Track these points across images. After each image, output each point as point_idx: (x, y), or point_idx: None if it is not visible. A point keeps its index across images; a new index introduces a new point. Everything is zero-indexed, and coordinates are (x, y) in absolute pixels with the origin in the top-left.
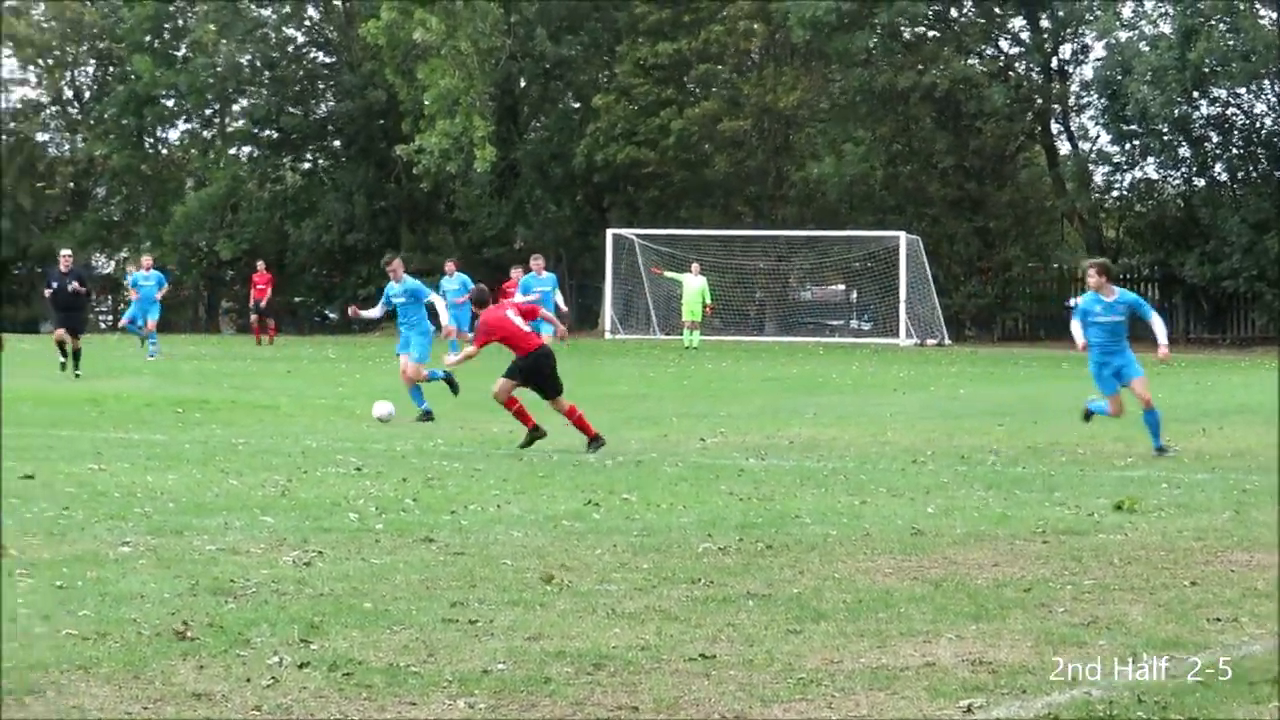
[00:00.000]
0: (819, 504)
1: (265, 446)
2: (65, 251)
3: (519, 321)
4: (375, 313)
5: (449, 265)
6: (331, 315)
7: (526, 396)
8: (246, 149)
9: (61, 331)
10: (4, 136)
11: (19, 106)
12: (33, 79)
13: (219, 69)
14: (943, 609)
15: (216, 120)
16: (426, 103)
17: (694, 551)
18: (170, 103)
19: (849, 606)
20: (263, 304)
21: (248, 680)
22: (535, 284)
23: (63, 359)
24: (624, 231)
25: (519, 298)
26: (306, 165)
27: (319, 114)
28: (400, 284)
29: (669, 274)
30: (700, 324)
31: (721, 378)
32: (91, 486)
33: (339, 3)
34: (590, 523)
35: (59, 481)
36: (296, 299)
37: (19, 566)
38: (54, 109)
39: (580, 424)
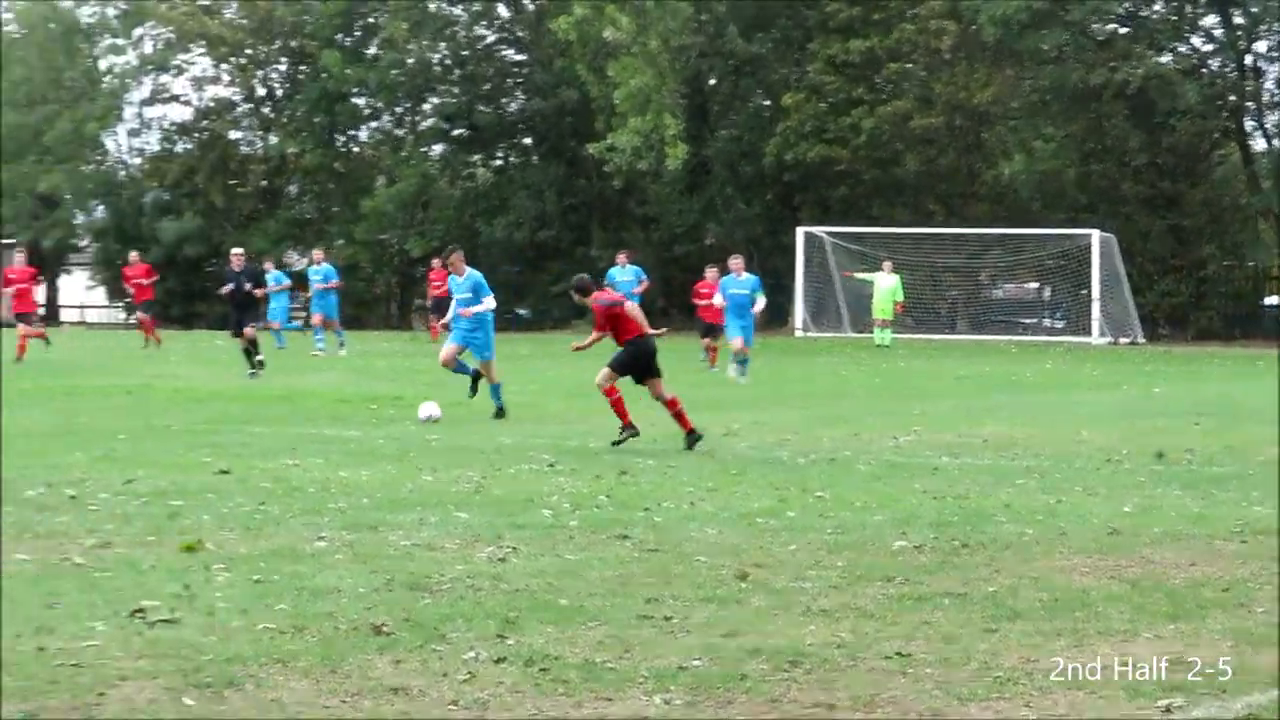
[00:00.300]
0: (1014, 502)
1: (459, 443)
2: (237, 250)
3: (628, 311)
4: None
5: (621, 257)
6: (522, 312)
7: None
8: (437, 146)
9: (251, 330)
10: (199, 136)
11: (212, 104)
12: (225, 77)
13: (410, 67)
14: (1140, 608)
15: (407, 118)
16: (617, 101)
17: (888, 549)
18: (361, 100)
19: (1045, 605)
20: (443, 302)
21: (444, 675)
22: (733, 286)
23: (259, 355)
24: (815, 229)
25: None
26: (498, 162)
27: (510, 111)
28: (464, 278)
29: (860, 275)
30: (891, 322)
31: (913, 376)
32: (287, 482)
33: (529, 1)
34: (784, 520)
35: (255, 477)
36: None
37: (217, 561)
38: (246, 107)
39: (679, 416)
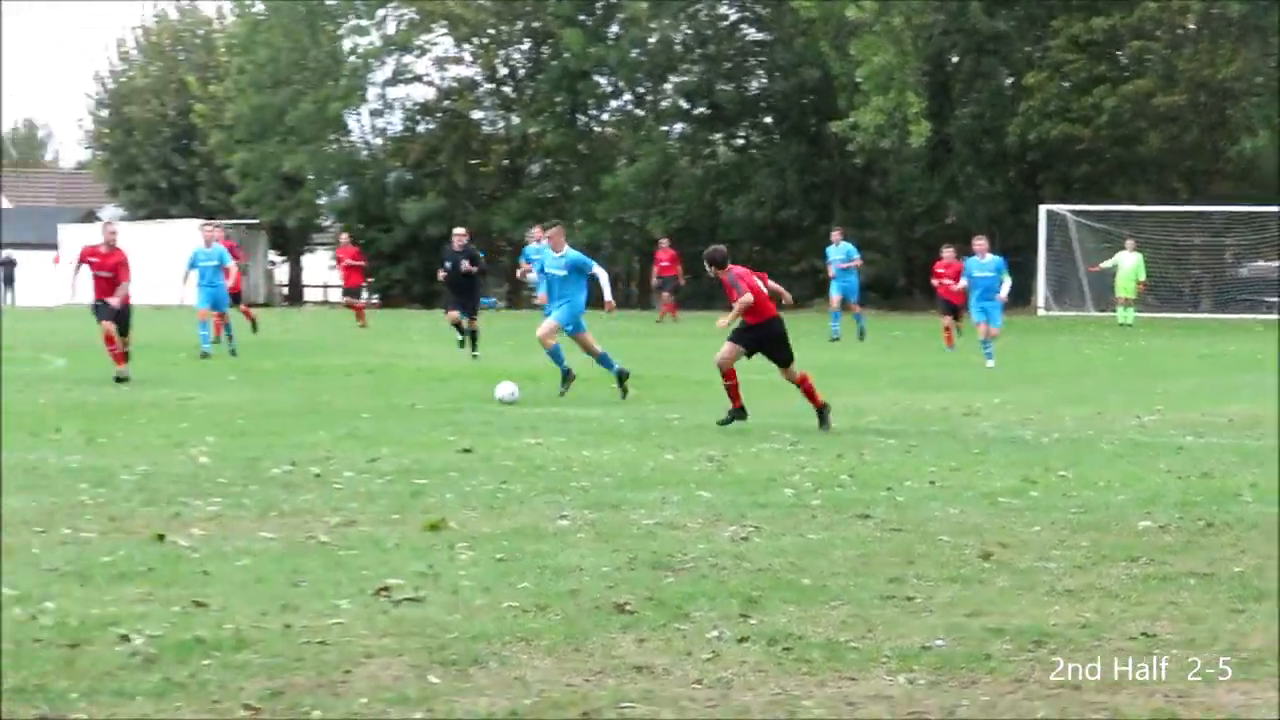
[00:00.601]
0: (1260, 482)
1: (700, 422)
2: (459, 230)
3: (760, 285)
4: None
5: (835, 234)
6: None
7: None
8: (678, 125)
9: (455, 313)
10: (441, 116)
11: (454, 85)
12: (468, 57)
13: (651, 46)
14: None
15: (648, 97)
16: (860, 79)
17: (1133, 529)
18: (602, 79)
19: None
20: (674, 281)
21: (688, 654)
22: (977, 268)
23: (460, 337)
24: (1057, 207)
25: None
26: (739, 141)
27: (751, 90)
28: (561, 255)
29: (1104, 265)
30: (1134, 300)
31: (1156, 354)
32: (529, 461)
33: None
34: (1027, 500)
35: (497, 455)
36: None
37: (460, 539)
38: (488, 87)
39: (810, 393)
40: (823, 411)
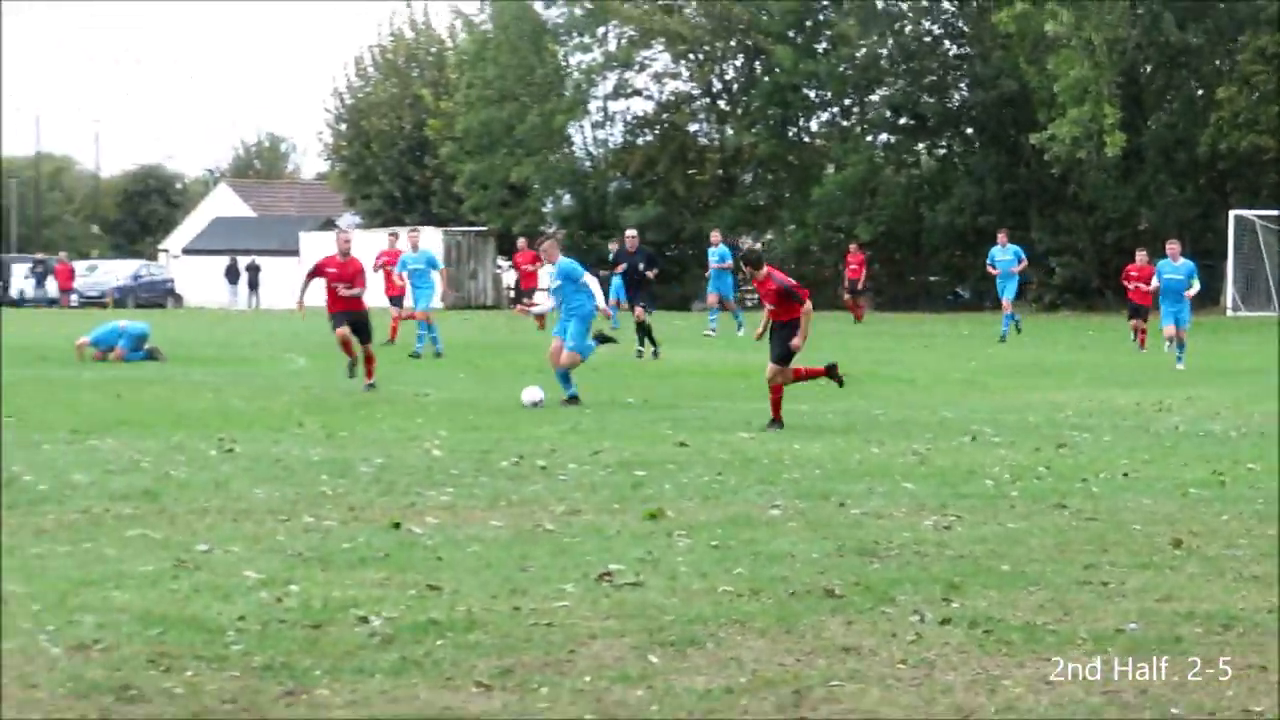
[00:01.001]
0: None
1: (903, 417)
2: (630, 232)
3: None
4: (542, 305)
5: (1001, 236)
6: (963, 293)
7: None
8: (883, 136)
9: (640, 311)
10: (659, 128)
11: (671, 98)
12: (684, 73)
13: (858, 60)
14: None
15: (855, 109)
16: (1057, 91)
17: None
18: (811, 92)
19: None
20: (858, 283)
21: (893, 635)
22: (1168, 270)
23: (640, 342)
24: (1245, 213)
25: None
26: (941, 151)
27: (952, 102)
28: (556, 266)
29: None
30: None
31: None
32: (743, 454)
33: None
34: (1216, 491)
35: (713, 449)
36: (931, 278)
37: (678, 528)
38: (704, 100)
39: (777, 402)
40: (775, 422)
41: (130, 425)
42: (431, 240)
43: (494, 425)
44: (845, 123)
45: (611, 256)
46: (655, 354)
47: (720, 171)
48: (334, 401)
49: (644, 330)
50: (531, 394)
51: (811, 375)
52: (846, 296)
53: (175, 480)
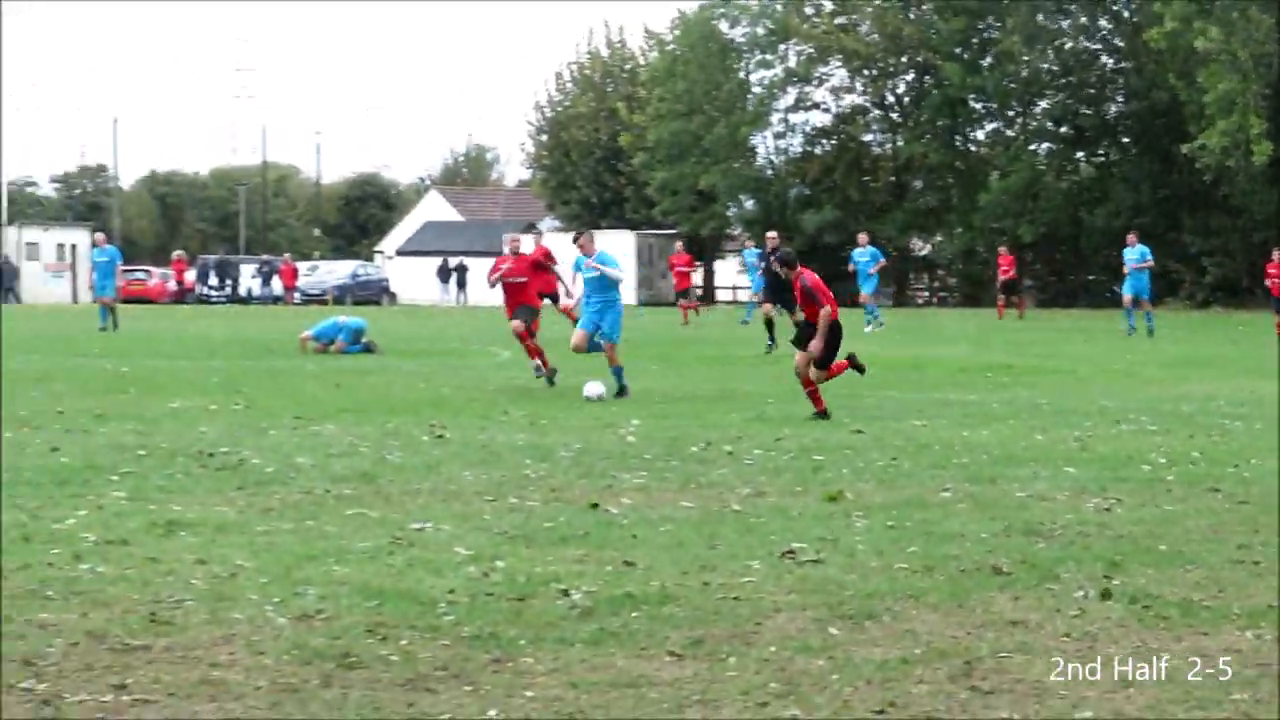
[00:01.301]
0: None
1: (1065, 406)
2: (772, 234)
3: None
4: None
5: (862, 237)
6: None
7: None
8: (1044, 145)
9: (768, 307)
10: (836, 138)
11: (847, 111)
12: (859, 87)
13: (1022, 75)
14: None
15: (1018, 120)
16: (1206, 103)
17: None
18: (977, 105)
19: None
20: (1014, 283)
21: (1057, 610)
22: None
23: (770, 338)
24: None
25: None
26: (1099, 159)
27: (1109, 114)
28: (595, 257)
29: None
30: None
31: None
32: (916, 440)
33: (1127, 14)
34: None
35: (887, 436)
36: (1090, 277)
37: (855, 509)
38: (877, 113)
39: (814, 396)
40: (820, 414)
41: (349, 412)
42: (624, 242)
43: (683, 413)
44: (1009, 133)
45: (758, 256)
46: (770, 349)
47: (892, 178)
48: (536, 391)
49: (771, 325)
50: (594, 388)
51: (840, 370)
52: (1001, 297)
53: (391, 463)
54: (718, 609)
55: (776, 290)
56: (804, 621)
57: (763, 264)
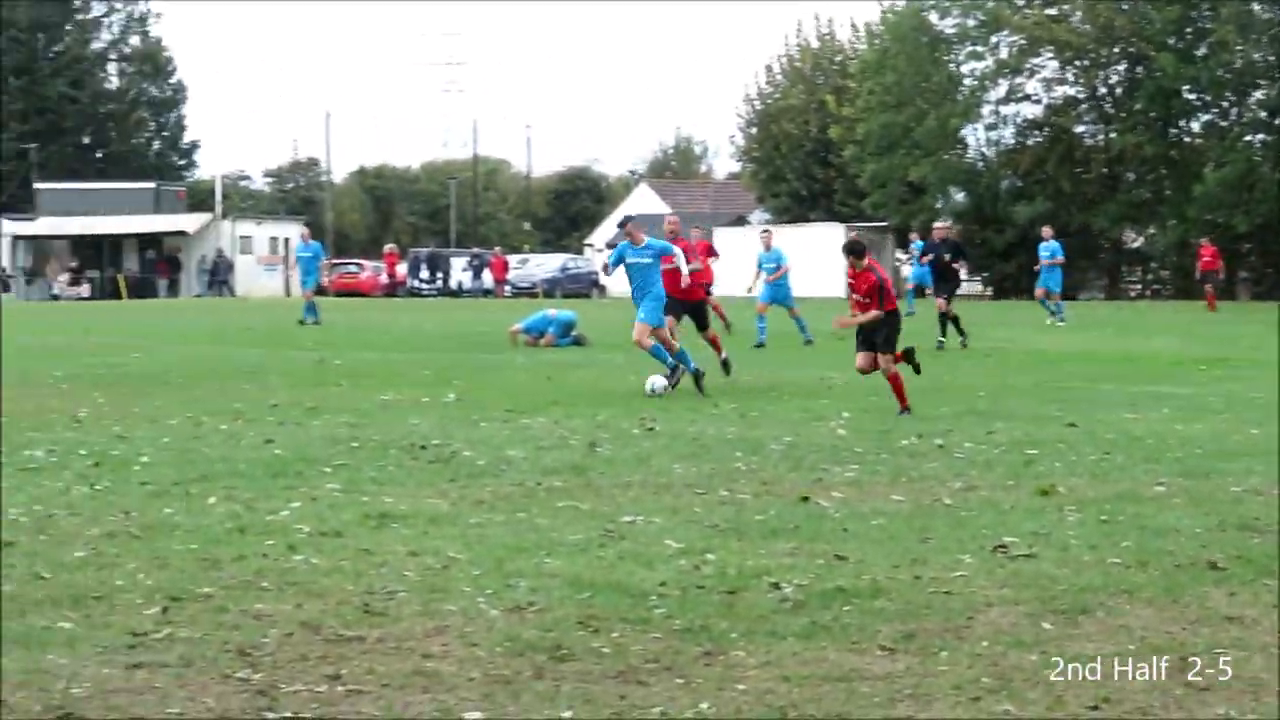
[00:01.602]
0: None
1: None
2: (938, 224)
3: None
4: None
5: (1045, 230)
6: None
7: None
8: (1260, 136)
9: (942, 301)
10: (1048, 130)
11: (1059, 102)
12: (1071, 78)
13: (1236, 65)
14: None
15: (1233, 110)
16: None
17: None
18: (1191, 96)
19: None
20: (1214, 274)
21: (1274, 606)
22: None
23: (942, 332)
24: None
25: None
26: None
27: None
28: (644, 247)
29: None
30: None
31: None
32: (1128, 434)
33: None
34: None
35: (1099, 429)
36: None
37: (1068, 503)
38: (1089, 104)
39: (899, 390)
40: (904, 410)
41: (559, 405)
42: (833, 235)
43: (893, 406)
44: (1224, 124)
45: (922, 247)
46: (963, 343)
47: (1105, 170)
48: (745, 384)
49: (945, 320)
50: (655, 381)
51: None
52: (1208, 288)
53: (601, 456)
54: (929, 603)
55: (942, 281)
56: (1016, 616)
57: (929, 255)
